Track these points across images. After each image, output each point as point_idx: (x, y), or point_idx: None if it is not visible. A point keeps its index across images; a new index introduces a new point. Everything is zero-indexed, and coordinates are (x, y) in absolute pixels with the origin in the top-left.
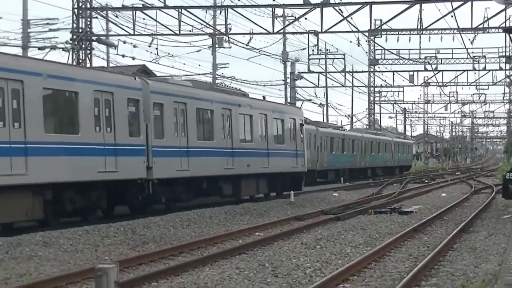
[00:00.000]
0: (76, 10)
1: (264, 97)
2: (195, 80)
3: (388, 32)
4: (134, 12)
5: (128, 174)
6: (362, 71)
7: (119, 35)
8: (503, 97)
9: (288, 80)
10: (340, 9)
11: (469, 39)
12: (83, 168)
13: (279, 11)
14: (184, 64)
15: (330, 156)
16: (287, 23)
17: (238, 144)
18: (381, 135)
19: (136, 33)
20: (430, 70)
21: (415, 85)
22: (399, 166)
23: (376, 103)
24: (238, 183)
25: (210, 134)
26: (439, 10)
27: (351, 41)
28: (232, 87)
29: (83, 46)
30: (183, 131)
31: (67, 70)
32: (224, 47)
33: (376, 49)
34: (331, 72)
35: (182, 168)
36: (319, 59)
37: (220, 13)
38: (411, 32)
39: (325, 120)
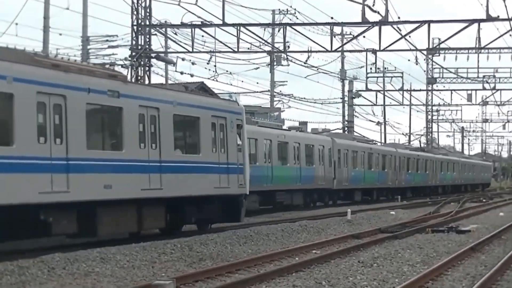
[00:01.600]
0: (135, 27)
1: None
2: None
3: (446, 51)
4: (193, 29)
5: None
6: (420, 90)
7: (177, 52)
8: None
9: (346, 98)
10: (398, 28)
11: None
12: None
13: (337, 29)
14: (242, 81)
15: (440, 175)
16: (345, 41)
17: (81, 152)
18: (469, 159)
19: (194, 50)
20: (488, 89)
21: (473, 104)
22: (481, 183)
23: (434, 122)
24: (90, 214)
25: None
26: (498, 29)
27: (409, 60)
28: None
29: (142, 63)
30: None
31: None
32: (282, 65)
33: (434, 68)
34: (389, 90)
35: None
36: (377, 77)
37: (278, 31)
38: (469, 51)
39: (382, 139)
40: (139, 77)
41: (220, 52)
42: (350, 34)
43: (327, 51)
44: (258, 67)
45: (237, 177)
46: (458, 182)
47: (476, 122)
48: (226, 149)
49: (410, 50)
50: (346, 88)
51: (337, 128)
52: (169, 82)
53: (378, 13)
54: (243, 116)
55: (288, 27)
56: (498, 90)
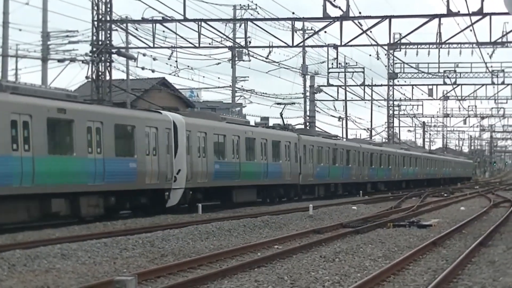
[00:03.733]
0: (96, 23)
1: None
2: None
3: (407, 46)
4: (154, 24)
5: None
6: (382, 85)
7: (138, 47)
8: None
9: (308, 94)
10: (359, 23)
11: (488, 53)
12: None
13: (298, 25)
14: (203, 77)
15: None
16: (306, 36)
17: None
18: (458, 157)
19: (155, 45)
20: (449, 84)
21: (434, 99)
22: (465, 177)
23: (395, 117)
24: None
25: None
26: (458, 24)
27: (370, 55)
28: None
29: (103, 58)
30: None
31: None
32: (243, 60)
33: (395, 63)
34: (350, 85)
35: None
36: (339, 72)
37: (239, 26)
38: (430, 46)
39: (344, 134)
40: (100, 73)
41: (181, 47)
42: (311, 29)
43: (288, 46)
44: (220, 63)
45: None
46: (450, 175)
47: (437, 117)
48: None
49: (371, 45)
50: (308, 83)
51: (299, 124)
52: (130, 77)
53: (339, 8)
54: None
55: (249, 23)
56: (458, 85)
